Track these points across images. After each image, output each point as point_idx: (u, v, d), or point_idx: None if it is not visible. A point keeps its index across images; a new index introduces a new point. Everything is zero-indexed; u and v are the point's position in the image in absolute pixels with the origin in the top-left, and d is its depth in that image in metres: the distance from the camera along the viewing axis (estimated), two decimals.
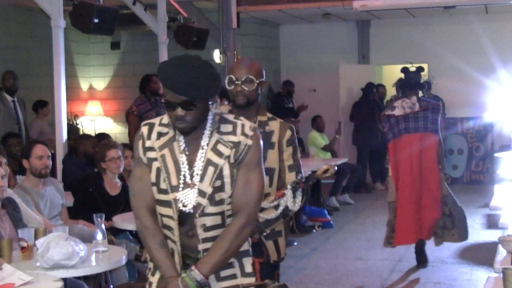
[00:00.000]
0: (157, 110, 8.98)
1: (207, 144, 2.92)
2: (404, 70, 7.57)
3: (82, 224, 5.80)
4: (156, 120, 3.03)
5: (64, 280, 3.85)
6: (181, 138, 2.94)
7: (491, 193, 10.02)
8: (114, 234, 5.84)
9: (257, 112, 3.87)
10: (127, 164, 6.85)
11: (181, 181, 2.91)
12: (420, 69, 7.56)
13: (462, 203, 10.77)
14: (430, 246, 8.34)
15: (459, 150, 13.48)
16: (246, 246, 3.05)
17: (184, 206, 2.90)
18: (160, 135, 2.98)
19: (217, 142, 2.92)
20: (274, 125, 3.87)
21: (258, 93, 3.82)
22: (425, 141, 7.17)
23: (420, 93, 7.61)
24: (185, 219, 2.92)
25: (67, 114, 8.36)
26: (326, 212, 10.11)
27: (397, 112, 7.25)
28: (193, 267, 2.87)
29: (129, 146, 7.26)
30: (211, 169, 2.90)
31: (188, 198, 2.90)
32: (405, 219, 7.11)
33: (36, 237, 4.30)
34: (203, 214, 2.91)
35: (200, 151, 2.92)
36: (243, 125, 2.95)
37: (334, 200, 11.39)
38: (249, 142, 2.93)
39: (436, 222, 7.21)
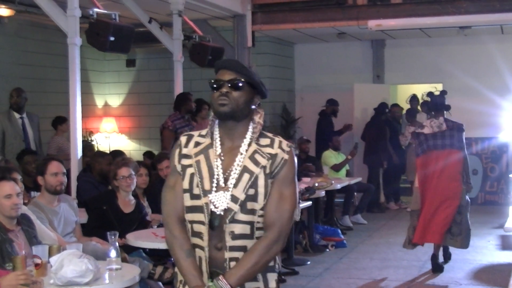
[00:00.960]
0: (190, 128, 9.06)
1: (246, 151, 2.97)
2: (430, 94, 8.40)
3: (96, 242, 5.80)
4: (195, 132, 3.12)
5: None
6: (218, 144, 2.99)
7: (506, 214, 10.01)
8: (127, 251, 5.84)
9: None
10: (141, 182, 6.88)
11: (214, 184, 2.95)
12: (444, 92, 8.39)
13: (476, 224, 10.82)
14: (445, 267, 8.31)
15: (473, 171, 13.38)
16: (271, 262, 3.05)
17: (215, 207, 2.92)
18: (197, 144, 3.05)
19: (255, 152, 2.98)
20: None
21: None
22: (451, 157, 7.98)
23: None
24: (215, 222, 2.93)
25: (82, 130, 8.39)
26: (339, 231, 10.09)
27: (426, 130, 8.12)
28: (220, 277, 2.89)
29: (144, 164, 7.30)
30: (246, 176, 2.93)
31: (220, 201, 2.92)
32: (426, 222, 7.92)
33: (50, 254, 4.31)
34: (233, 221, 2.92)
35: (239, 156, 2.97)
36: (280, 141, 3.03)
37: (347, 219, 11.36)
38: (286, 156, 2.99)
39: (448, 227, 7.94)
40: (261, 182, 2.94)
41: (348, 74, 14.72)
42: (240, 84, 2.98)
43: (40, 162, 6.31)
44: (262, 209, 2.94)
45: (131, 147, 14.17)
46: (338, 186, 10.42)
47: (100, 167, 7.79)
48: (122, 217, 6.22)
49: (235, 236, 2.93)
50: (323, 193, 9.74)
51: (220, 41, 11.58)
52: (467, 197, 8.08)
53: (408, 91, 14.61)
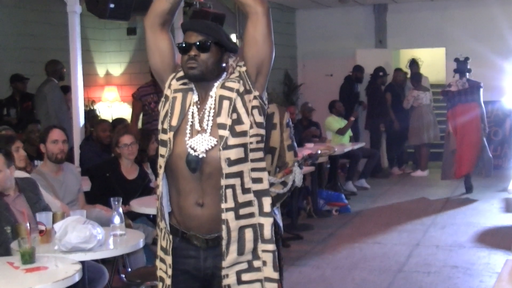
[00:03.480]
0: (161, 95, 8.93)
1: (217, 87, 3.02)
2: (456, 60, 10.85)
3: (100, 209, 5.82)
4: None
5: (82, 263, 3.87)
6: (195, 93, 3.05)
7: (509, 178, 10.01)
8: (131, 218, 5.87)
9: None
10: (152, 148, 6.86)
11: (188, 131, 2.98)
12: (467, 58, 10.77)
13: (480, 187, 10.86)
14: (448, 231, 8.36)
15: None
16: (266, 185, 3.04)
17: (194, 151, 2.94)
18: (183, 83, 3.07)
19: (224, 82, 3.02)
20: (273, 108, 4.19)
21: None
22: (473, 108, 10.54)
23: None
24: (193, 164, 2.95)
25: (84, 100, 8.38)
26: (343, 196, 10.10)
27: (453, 88, 10.68)
28: None
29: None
30: (226, 102, 2.97)
31: (198, 143, 2.95)
32: (461, 158, 10.51)
33: (54, 221, 4.31)
34: (226, 147, 2.92)
35: (210, 99, 3.01)
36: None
37: (351, 184, 11.37)
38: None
39: (476, 161, 10.61)
40: (239, 104, 2.97)
41: (350, 39, 14.63)
42: (208, 45, 2.98)
43: (42, 130, 6.32)
44: (251, 127, 2.97)
45: None
46: (342, 151, 10.42)
47: (97, 134, 7.79)
48: (125, 184, 6.23)
49: (231, 162, 2.93)
50: (326, 157, 9.74)
51: (221, 8, 11.48)
52: (484, 140, 10.63)
53: (411, 55, 14.54)
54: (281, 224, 4.45)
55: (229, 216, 2.94)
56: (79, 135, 7.92)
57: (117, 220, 4.52)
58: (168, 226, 3.06)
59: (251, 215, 2.99)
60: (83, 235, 4.01)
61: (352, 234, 8.52)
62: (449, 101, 10.80)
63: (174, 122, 3.00)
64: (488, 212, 9.42)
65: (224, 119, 2.95)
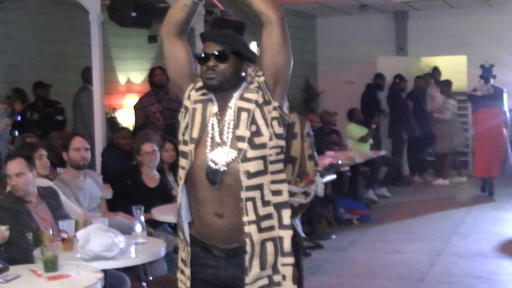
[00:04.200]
0: (165, 104, 8.90)
1: (236, 98, 2.99)
2: (482, 66, 11.41)
3: (121, 217, 5.83)
4: None
5: (104, 271, 3.87)
6: (215, 103, 3.02)
7: None
8: (152, 226, 5.87)
9: None
10: (167, 157, 6.86)
11: (208, 143, 2.96)
12: (492, 65, 11.34)
13: (502, 196, 10.81)
14: (471, 240, 8.29)
15: None
16: (285, 198, 3.02)
17: (215, 164, 2.93)
18: (202, 94, 3.05)
19: (243, 93, 2.99)
20: (294, 117, 4.18)
21: None
22: (497, 113, 11.18)
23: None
24: (214, 176, 2.94)
25: (105, 107, 8.41)
26: (364, 205, 10.06)
27: (478, 92, 11.29)
28: None
29: (170, 140, 7.24)
30: (244, 114, 2.94)
31: (219, 156, 2.94)
32: (487, 160, 11.07)
33: (76, 229, 4.34)
34: (245, 160, 2.91)
35: (229, 110, 2.98)
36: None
37: (371, 193, 11.32)
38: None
39: (500, 165, 11.11)
40: (258, 115, 2.95)
41: (371, 46, 14.57)
42: (226, 55, 2.97)
43: (64, 138, 6.36)
44: (270, 139, 2.94)
45: None
46: (362, 160, 10.38)
47: (118, 141, 7.82)
48: (146, 192, 6.23)
49: (250, 175, 2.92)
50: (347, 167, 9.71)
51: (242, 15, 11.49)
52: (508, 144, 11.28)
53: (431, 63, 14.48)
54: (301, 233, 4.45)
55: (252, 229, 2.92)
56: (101, 142, 7.95)
57: (138, 228, 4.53)
58: (188, 237, 3.05)
59: (271, 228, 2.98)
60: (105, 243, 4.02)
61: (372, 242, 8.48)
62: (473, 105, 11.51)
63: (195, 134, 2.99)
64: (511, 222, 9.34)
65: (243, 131, 2.93)
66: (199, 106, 3.02)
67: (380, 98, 13.28)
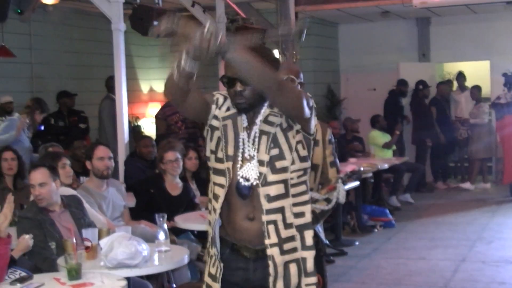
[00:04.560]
0: (180, 113, 8.97)
1: (260, 121, 2.99)
2: (504, 74, 11.89)
3: (144, 225, 5.86)
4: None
5: (128, 279, 3.90)
6: (244, 117, 3.02)
7: None
8: (175, 234, 5.89)
9: None
10: (191, 165, 6.90)
11: (239, 158, 2.98)
12: None
13: None
14: (495, 246, 8.23)
15: None
16: (308, 219, 3.05)
17: (246, 180, 2.95)
18: (228, 108, 3.06)
19: (268, 115, 3.00)
20: (315, 124, 4.07)
21: None
22: None
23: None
24: (245, 191, 2.96)
25: (128, 116, 8.46)
26: (387, 211, 10.03)
27: (502, 100, 11.76)
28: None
29: (194, 148, 7.26)
30: (264, 138, 2.97)
31: (248, 173, 2.95)
32: (509, 168, 11.54)
33: (99, 237, 4.36)
34: (266, 183, 2.94)
35: (254, 127, 2.99)
36: None
37: (395, 199, 11.28)
38: None
39: None
40: (281, 139, 2.97)
41: (393, 53, 14.52)
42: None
43: (88, 147, 6.40)
44: (293, 163, 2.96)
45: None
46: (385, 166, 10.36)
47: (140, 150, 7.86)
48: (170, 200, 6.25)
49: (270, 199, 2.95)
50: (370, 173, 9.69)
51: (263, 23, 11.52)
52: None
53: (454, 69, 14.41)
54: (324, 240, 4.45)
55: (274, 251, 2.96)
56: (124, 151, 8.00)
57: (162, 236, 4.55)
58: (219, 253, 3.05)
59: (294, 249, 3.01)
60: (129, 251, 4.04)
61: (396, 249, 8.45)
62: (498, 112, 11.94)
63: (231, 151, 3.00)
64: None
65: (262, 155, 2.96)
66: (229, 122, 3.03)
67: (403, 105, 13.23)
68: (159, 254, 4.48)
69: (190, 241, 6.00)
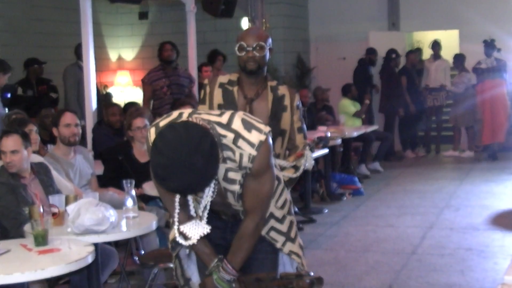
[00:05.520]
0: (172, 79, 8.93)
1: (213, 188, 2.93)
2: (485, 41, 12.36)
3: (112, 192, 5.82)
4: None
5: (95, 245, 3.87)
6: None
7: None
8: (144, 201, 5.86)
9: (266, 78, 4.10)
10: None
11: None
12: (493, 40, 12.36)
13: (494, 170, 10.87)
14: (462, 213, 8.32)
15: None
16: (287, 208, 3.37)
17: (188, 238, 2.94)
18: None
19: (226, 170, 2.93)
20: (283, 90, 4.14)
21: (267, 59, 4.05)
22: (500, 84, 12.30)
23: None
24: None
25: (96, 84, 8.38)
26: (356, 179, 10.08)
27: (483, 65, 12.32)
28: (225, 261, 3.02)
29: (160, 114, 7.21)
30: (230, 195, 3.01)
31: (191, 231, 2.93)
32: (491, 127, 12.21)
33: (66, 203, 4.32)
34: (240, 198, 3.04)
35: (207, 191, 2.92)
36: (241, 154, 2.88)
37: (364, 168, 11.35)
38: (254, 153, 2.87)
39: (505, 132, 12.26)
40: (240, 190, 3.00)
41: (363, 22, 14.51)
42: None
43: (55, 114, 6.32)
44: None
45: None
46: (355, 134, 10.40)
47: (108, 119, 7.79)
48: (138, 167, 6.20)
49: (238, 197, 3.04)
50: (339, 141, 9.72)
51: None
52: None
53: (424, 38, 14.45)
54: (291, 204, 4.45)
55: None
56: (92, 119, 7.93)
57: (129, 202, 4.52)
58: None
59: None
60: (96, 217, 4.01)
61: (365, 216, 8.51)
62: (478, 77, 12.45)
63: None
64: (503, 195, 9.36)
65: (232, 201, 3.05)
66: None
67: (372, 74, 13.26)
68: (127, 220, 4.44)
69: (159, 208, 5.98)
